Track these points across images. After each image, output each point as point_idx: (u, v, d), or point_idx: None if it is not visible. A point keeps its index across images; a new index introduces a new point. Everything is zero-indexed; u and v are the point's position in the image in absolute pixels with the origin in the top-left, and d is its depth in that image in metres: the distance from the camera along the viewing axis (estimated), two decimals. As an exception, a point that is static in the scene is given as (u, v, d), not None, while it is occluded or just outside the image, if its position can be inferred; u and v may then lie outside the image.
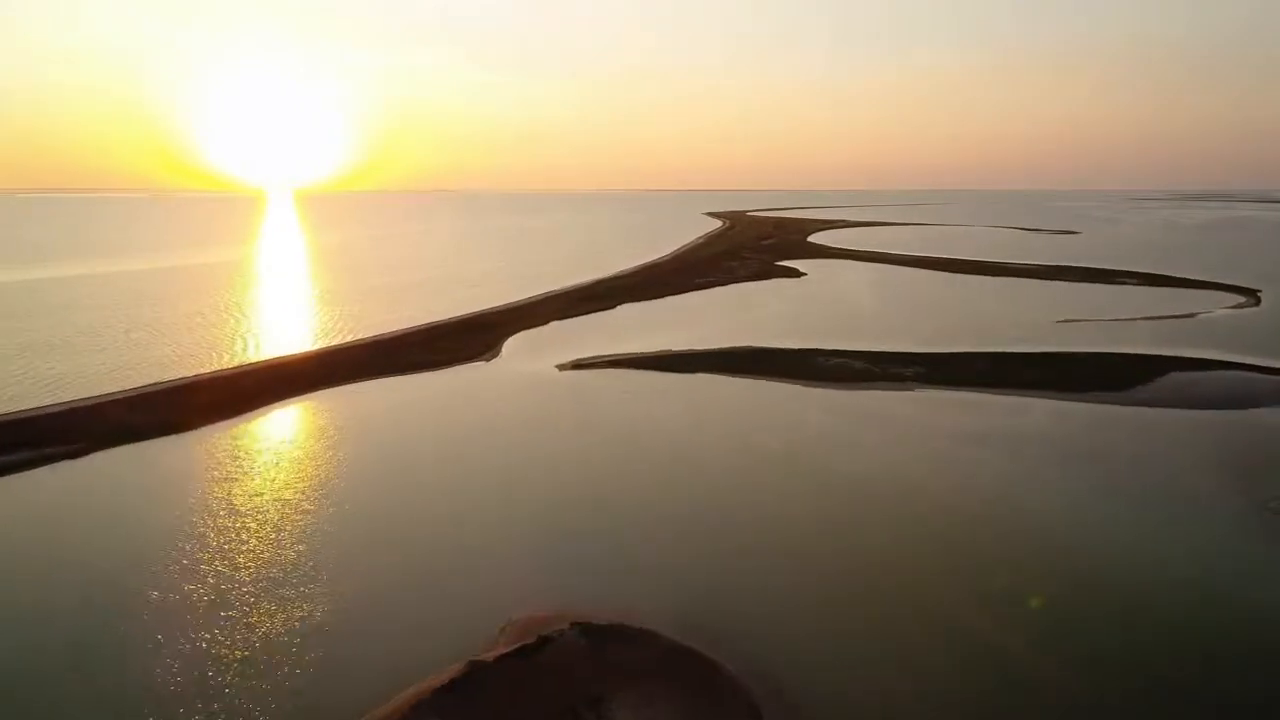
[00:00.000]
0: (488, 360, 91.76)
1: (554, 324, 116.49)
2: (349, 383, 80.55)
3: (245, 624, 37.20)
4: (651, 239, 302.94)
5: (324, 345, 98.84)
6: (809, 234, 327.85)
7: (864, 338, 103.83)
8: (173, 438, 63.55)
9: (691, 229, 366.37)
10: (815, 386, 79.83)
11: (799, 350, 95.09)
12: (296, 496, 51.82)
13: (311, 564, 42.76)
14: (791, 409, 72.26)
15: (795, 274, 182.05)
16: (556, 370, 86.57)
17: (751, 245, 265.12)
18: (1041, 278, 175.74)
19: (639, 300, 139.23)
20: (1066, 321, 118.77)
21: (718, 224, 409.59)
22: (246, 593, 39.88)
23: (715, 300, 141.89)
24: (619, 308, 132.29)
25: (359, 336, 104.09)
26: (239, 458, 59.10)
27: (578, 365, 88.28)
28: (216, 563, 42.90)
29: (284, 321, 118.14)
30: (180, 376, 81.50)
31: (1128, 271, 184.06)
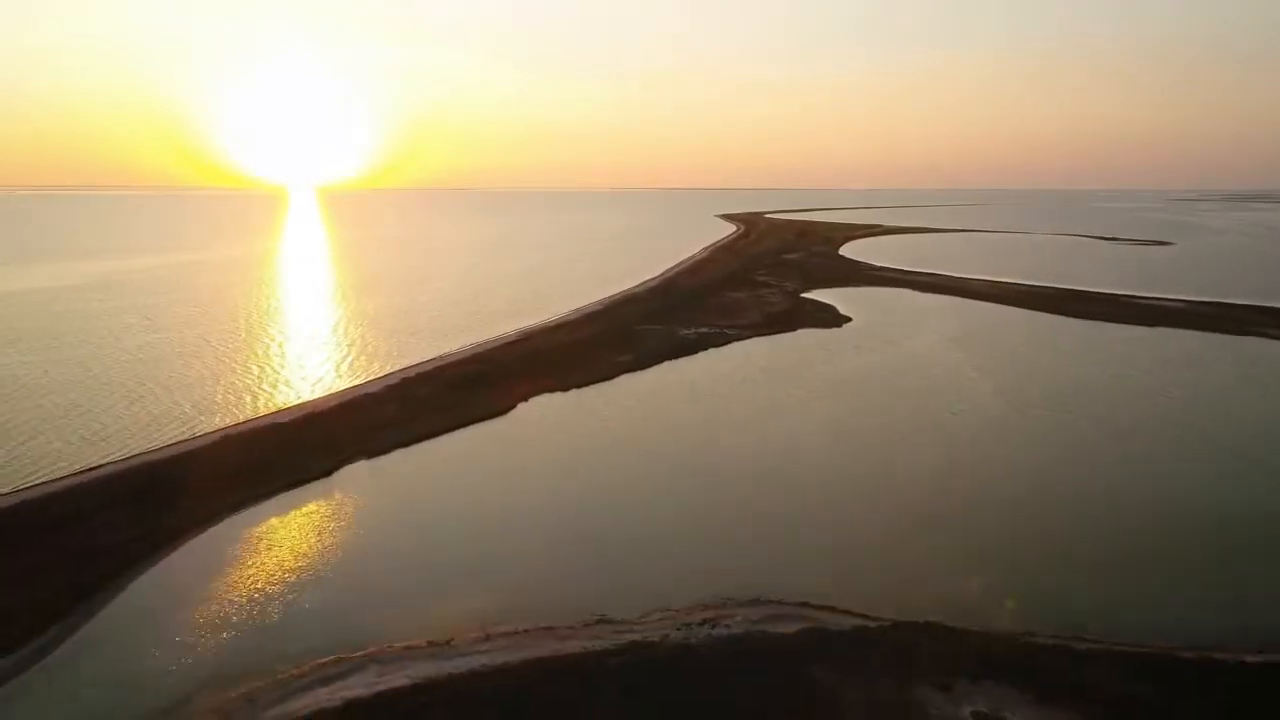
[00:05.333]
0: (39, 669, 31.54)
1: (356, 467, 56.46)
2: None
3: None
4: (646, 251, 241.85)
5: None
6: (840, 244, 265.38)
7: (1028, 550, 42.96)
8: None
9: (699, 236, 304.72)
10: None
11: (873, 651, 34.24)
12: None
13: None
14: None
15: (833, 317, 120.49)
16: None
17: (769, 262, 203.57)
18: (1219, 329, 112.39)
19: (564, 387, 78.48)
20: None
21: (730, 229, 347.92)
22: None
23: (698, 390, 79.62)
24: (518, 408, 71.80)
25: None
26: None
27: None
28: None
29: None
30: None
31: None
